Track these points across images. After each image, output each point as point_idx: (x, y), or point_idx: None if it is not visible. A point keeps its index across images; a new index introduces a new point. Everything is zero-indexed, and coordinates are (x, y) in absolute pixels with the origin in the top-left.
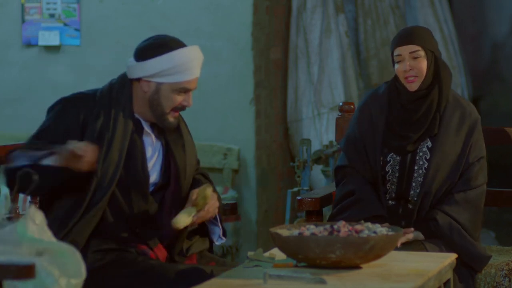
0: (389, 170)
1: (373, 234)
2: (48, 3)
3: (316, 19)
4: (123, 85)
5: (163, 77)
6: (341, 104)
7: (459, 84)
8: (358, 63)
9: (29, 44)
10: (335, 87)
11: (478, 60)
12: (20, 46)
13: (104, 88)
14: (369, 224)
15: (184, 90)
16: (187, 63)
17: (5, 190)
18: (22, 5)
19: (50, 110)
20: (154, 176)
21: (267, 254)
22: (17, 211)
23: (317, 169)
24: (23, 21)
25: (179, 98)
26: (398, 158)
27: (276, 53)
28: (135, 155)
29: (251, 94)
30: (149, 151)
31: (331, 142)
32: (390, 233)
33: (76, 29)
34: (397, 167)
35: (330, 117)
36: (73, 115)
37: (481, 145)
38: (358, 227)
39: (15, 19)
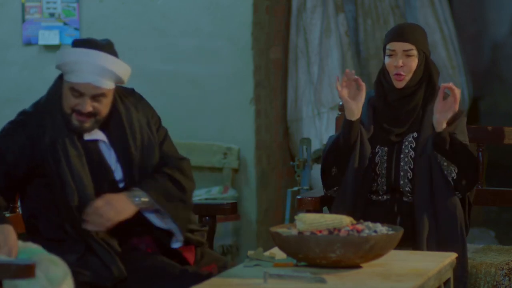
0: (378, 162)
1: (373, 234)
2: (48, 3)
3: (316, 19)
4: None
5: (65, 73)
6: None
7: (459, 84)
8: (358, 63)
9: (29, 43)
10: (335, 86)
11: (478, 60)
12: (20, 46)
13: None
14: (370, 224)
15: (76, 92)
16: (75, 64)
17: None
18: (23, 5)
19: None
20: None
21: (267, 253)
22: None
23: (317, 168)
24: (23, 20)
25: (73, 100)
26: (385, 149)
27: (276, 53)
28: (93, 158)
29: (251, 94)
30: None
31: None
32: (390, 232)
33: (76, 29)
34: (385, 158)
35: (330, 116)
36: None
37: (465, 137)
38: (359, 226)
39: (16, 19)
